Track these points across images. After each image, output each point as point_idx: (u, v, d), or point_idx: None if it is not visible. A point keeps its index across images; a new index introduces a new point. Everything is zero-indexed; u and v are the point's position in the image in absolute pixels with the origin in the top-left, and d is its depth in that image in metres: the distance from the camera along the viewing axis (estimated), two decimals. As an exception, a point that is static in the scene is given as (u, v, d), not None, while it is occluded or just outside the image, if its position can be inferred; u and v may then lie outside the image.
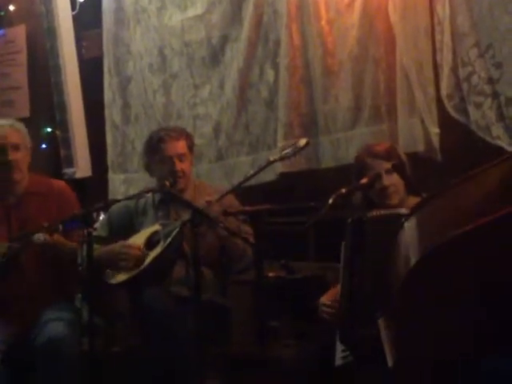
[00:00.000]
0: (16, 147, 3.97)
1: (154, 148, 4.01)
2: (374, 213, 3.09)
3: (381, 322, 2.41)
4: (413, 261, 1.99)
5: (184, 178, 3.96)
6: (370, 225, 3.01)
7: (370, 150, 3.40)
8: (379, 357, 2.33)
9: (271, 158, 3.74)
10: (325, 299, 3.26)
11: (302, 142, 3.70)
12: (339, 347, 3.04)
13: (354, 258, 3.00)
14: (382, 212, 3.09)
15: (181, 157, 3.97)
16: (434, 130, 3.85)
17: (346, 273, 3.03)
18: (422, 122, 3.89)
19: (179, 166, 3.94)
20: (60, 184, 4.23)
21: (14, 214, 3.99)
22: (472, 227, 1.93)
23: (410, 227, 2.11)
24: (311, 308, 3.33)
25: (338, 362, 3.01)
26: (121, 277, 3.81)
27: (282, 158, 3.70)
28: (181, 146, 3.99)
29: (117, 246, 3.85)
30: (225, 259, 3.92)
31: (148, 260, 3.76)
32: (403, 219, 2.12)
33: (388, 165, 3.32)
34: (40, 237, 3.68)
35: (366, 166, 3.35)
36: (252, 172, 3.78)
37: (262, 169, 3.76)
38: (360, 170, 3.37)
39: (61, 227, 3.58)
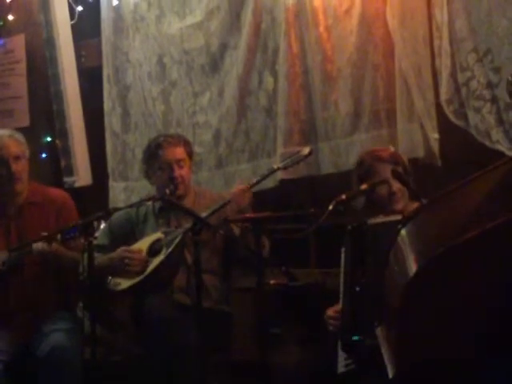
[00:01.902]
0: (17, 158, 3.96)
1: (153, 155, 4.02)
2: (375, 219, 3.09)
3: (379, 332, 2.41)
4: (412, 270, 1.98)
5: (183, 184, 3.96)
6: (371, 231, 3.00)
7: (376, 154, 3.39)
8: (381, 366, 2.33)
9: (274, 166, 3.77)
10: (331, 311, 3.23)
11: (305, 150, 3.71)
12: (342, 354, 3.03)
13: (354, 266, 2.99)
14: (383, 218, 3.09)
15: (179, 162, 3.97)
16: (434, 136, 3.85)
17: (346, 280, 3.03)
18: (422, 127, 3.88)
19: (178, 172, 3.95)
20: (59, 193, 4.23)
21: (13, 224, 3.99)
22: (472, 235, 1.92)
23: (407, 234, 2.10)
24: (318, 320, 3.32)
25: (341, 369, 2.99)
26: (123, 284, 3.81)
27: (285, 167, 3.72)
28: (179, 152, 4.00)
29: (119, 251, 3.85)
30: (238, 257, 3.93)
31: (151, 267, 3.77)
32: (399, 225, 2.11)
33: (397, 168, 3.32)
34: (38, 246, 3.69)
35: (371, 169, 3.33)
36: (254, 180, 3.81)
37: (265, 177, 3.79)
38: (364, 174, 3.34)
39: (59, 237, 3.58)
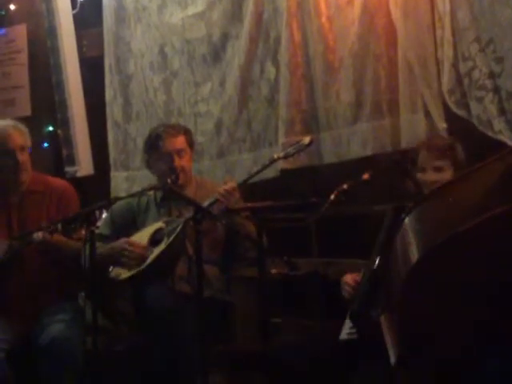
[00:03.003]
0: (22, 148, 3.98)
1: (153, 145, 4.03)
2: None
3: (383, 319, 2.41)
4: (414, 258, 1.99)
5: (183, 174, 3.96)
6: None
7: (429, 143, 3.43)
8: (382, 354, 2.33)
9: (275, 156, 3.77)
10: (348, 278, 3.29)
11: (306, 140, 3.71)
12: (348, 322, 3.05)
13: (386, 244, 2.99)
14: None
15: (179, 152, 3.98)
16: (442, 125, 3.83)
17: (374, 255, 3.04)
18: (425, 117, 3.88)
19: (178, 161, 3.95)
20: (60, 182, 4.24)
21: (14, 212, 4.00)
22: (472, 225, 1.93)
23: (410, 222, 2.10)
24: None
25: (343, 336, 3.04)
26: (124, 274, 3.81)
27: (286, 156, 3.72)
28: (179, 141, 4.00)
29: (119, 243, 3.86)
30: (237, 249, 3.93)
31: (152, 257, 3.77)
32: (403, 214, 2.12)
33: (439, 162, 3.33)
34: (39, 236, 3.68)
35: (418, 154, 3.38)
36: (255, 169, 3.81)
37: (266, 166, 3.78)
38: (413, 158, 3.38)
39: (60, 226, 3.58)
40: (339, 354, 3.04)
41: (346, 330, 3.05)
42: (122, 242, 3.86)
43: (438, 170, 3.32)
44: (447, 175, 3.31)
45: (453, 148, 3.41)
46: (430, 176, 3.30)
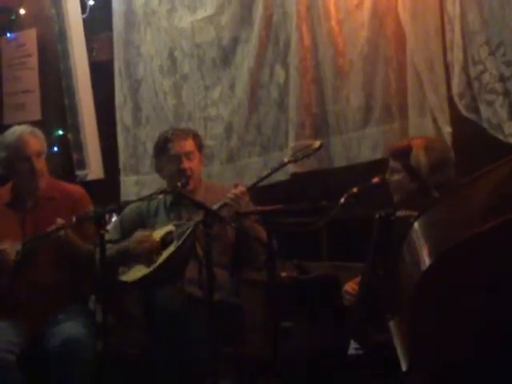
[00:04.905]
0: (38, 155, 3.99)
1: (162, 148, 4.04)
2: (402, 213, 3.10)
3: (392, 325, 2.41)
4: (425, 263, 1.98)
5: (193, 177, 3.96)
6: (397, 224, 3.01)
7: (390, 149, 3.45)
8: (391, 360, 2.33)
9: (285, 160, 3.77)
10: (348, 287, 3.31)
11: (316, 144, 3.71)
12: None
13: (377, 255, 2.99)
14: (410, 212, 3.08)
15: (188, 155, 3.98)
16: (447, 129, 3.83)
17: (366, 268, 3.04)
18: (434, 121, 3.87)
19: (187, 164, 3.95)
20: (76, 189, 4.25)
21: (29, 217, 4.00)
22: (483, 229, 1.93)
23: (420, 227, 2.10)
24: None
25: (351, 351, 3.05)
26: (134, 276, 3.82)
27: (296, 160, 3.72)
28: (188, 144, 4.01)
29: (136, 235, 3.87)
30: (248, 253, 3.93)
31: (161, 259, 3.78)
32: (412, 219, 2.11)
33: (393, 163, 3.33)
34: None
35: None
36: (266, 173, 3.82)
37: (275, 170, 3.79)
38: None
39: (74, 219, 3.60)
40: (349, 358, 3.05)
41: (353, 345, 3.05)
42: (137, 234, 3.88)
43: (392, 170, 3.33)
44: (398, 177, 3.30)
45: (405, 152, 3.38)
46: (388, 176, 3.32)
